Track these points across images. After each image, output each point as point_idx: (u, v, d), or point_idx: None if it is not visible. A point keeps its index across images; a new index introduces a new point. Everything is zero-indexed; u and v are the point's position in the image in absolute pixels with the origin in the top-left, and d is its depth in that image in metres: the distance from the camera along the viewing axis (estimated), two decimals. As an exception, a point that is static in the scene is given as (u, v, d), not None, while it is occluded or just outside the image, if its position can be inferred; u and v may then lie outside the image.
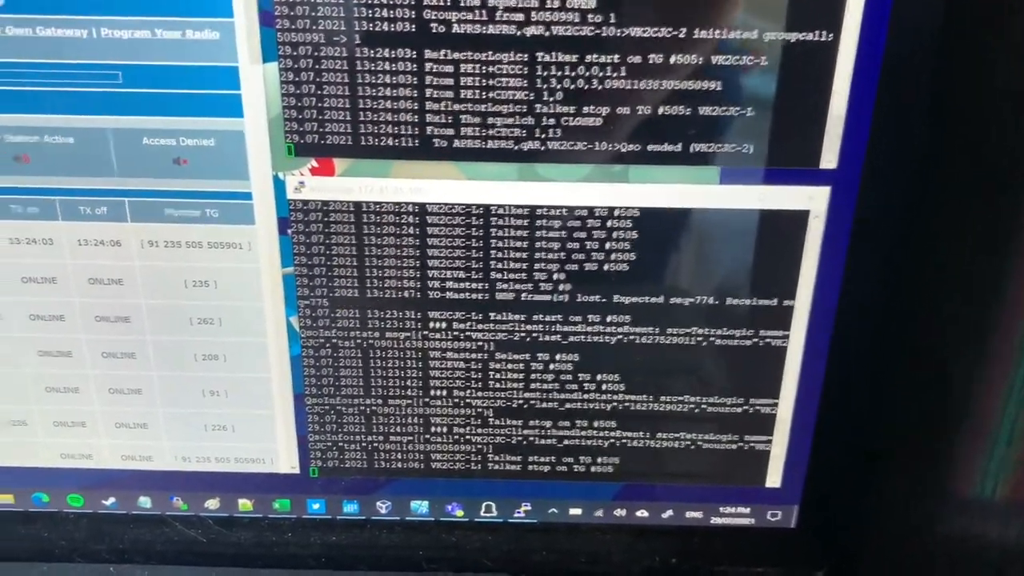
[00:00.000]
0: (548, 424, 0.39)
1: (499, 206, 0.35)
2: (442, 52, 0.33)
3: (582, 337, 0.37)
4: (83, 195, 0.35)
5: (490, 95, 0.33)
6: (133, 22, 0.32)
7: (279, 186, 0.35)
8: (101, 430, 0.39)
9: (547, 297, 0.36)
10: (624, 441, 0.39)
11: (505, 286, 0.36)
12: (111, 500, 0.41)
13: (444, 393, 0.38)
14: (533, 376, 0.38)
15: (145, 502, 0.41)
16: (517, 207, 0.35)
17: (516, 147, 0.34)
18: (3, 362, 0.38)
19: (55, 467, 0.40)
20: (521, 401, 0.39)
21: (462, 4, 0.32)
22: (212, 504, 0.41)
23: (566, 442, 0.39)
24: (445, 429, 0.39)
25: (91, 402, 0.39)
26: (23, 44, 0.33)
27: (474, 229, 0.35)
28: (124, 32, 0.32)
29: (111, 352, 0.38)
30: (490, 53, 0.32)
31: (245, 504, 0.41)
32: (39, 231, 0.36)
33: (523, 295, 0.36)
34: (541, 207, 0.35)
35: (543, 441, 0.39)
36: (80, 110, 0.34)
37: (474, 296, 0.37)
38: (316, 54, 0.33)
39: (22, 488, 0.41)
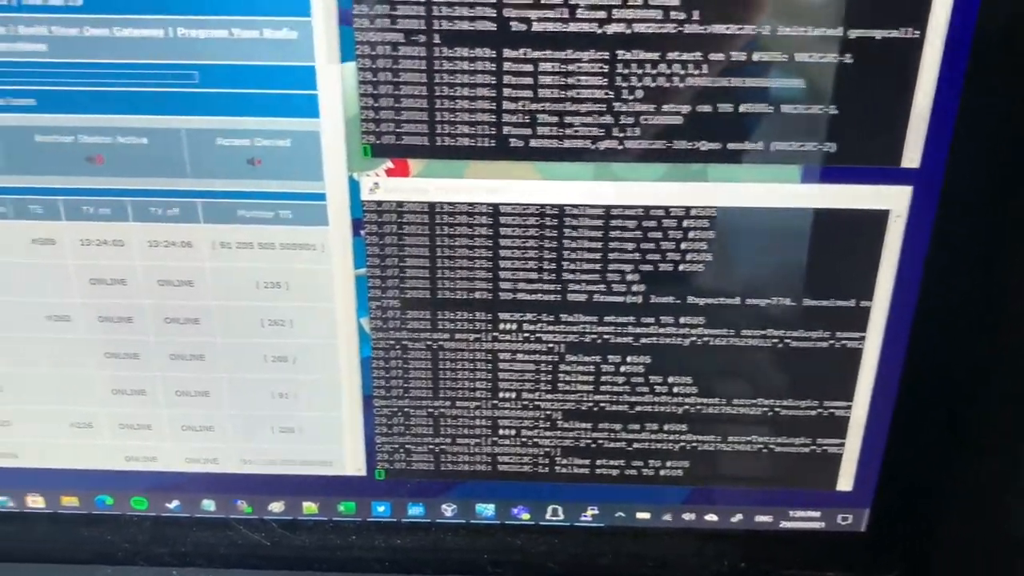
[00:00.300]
0: (617, 427, 0.38)
1: (574, 206, 0.35)
2: (521, 51, 0.32)
3: (654, 339, 0.37)
4: (155, 196, 0.35)
5: (569, 94, 0.33)
6: (210, 21, 0.32)
7: (354, 187, 0.34)
8: (167, 432, 0.39)
9: (620, 298, 0.36)
10: (694, 444, 0.39)
11: (577, 287, 0.36)
12: (175, 503, 0.41)
13: (513, 395, 0.38)
14: (603, 378, 0.38)
15: (209, 505, 0.41)
16: (592, 207, 0.35)
17: (593, 146, 0.33)
18: (70, 364, 0.38)
19: (120, 470, 0.40)
20: (591, 404, 0.38)
21: (543, 2, 0.31)
22: (276, 507, 0.41)
23: (635, 445, 0.39)
24: (513, 432, 0.39)
25: (158, 404, 0.39)
26: (100, 44, 0.32)
27: (548, 229, 0.35)
28: (201, 32, 0.32)
29: (179, 354, 0.38)
30: (570, 51, 0.32)
31: (310, 507, 0.41)
32: (110, 232, 0.36)
33: (595, 296, 0.36)
34: (617, 207, 0.35)
35: (612, 444, 0.39)
36: (155, 110, 0.33)
37: (546, 297, 0.36)
38: (395, 53, 0.32)
39: (86, 490, 0.41)
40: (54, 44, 0.33)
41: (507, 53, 0.32)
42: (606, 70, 0.32)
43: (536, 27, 0.32)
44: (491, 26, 0.32)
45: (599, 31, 0.32)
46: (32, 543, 0.42)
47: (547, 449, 0.39)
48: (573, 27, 0.32)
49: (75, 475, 0.41)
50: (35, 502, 0.41)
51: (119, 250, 0.36)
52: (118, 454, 0.40)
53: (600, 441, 0.39)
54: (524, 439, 0.39)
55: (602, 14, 0.32)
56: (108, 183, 0.35)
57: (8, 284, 0.36)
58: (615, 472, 0.40)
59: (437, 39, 0.32)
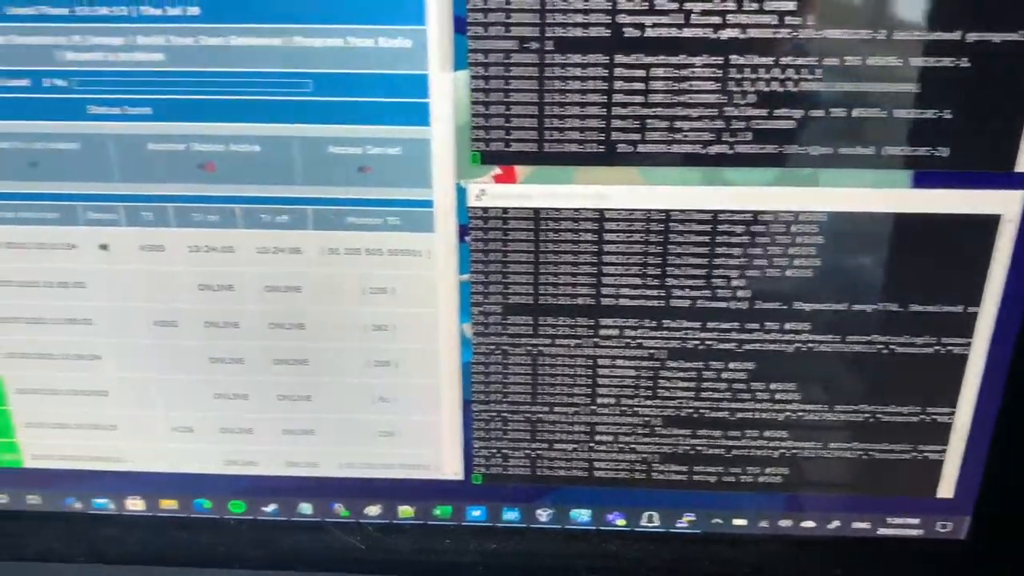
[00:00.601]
0: (717, 433, 0.38)
1: (680, 211, 0.35)
2: (634, 56, 0.32)
3: (758, 345, 0.37)
4: (266, 203, 0.35)
5: (680, 99, 0.33)
6: (326, 30, 0.32)
7: (461, 194, 0.35)
8: (268, 437, 0.40)
9: (724, 304, 0.36)
10: (794, 451, 0.38)
11: (681, 293, 0.36)
12: (272, 506, 0.41)
13: (612, 401, 0.38)
14: (705, 385, 0.37)
15: (306, 508, 0.41)
16: (699, 212, 0.35)
17: (703, 151, 0.33)
18: (174, 369, 0.38)
19: (219, 473, 0.41)
20: (691, 410, 0.38)
21: (657, 8, 0.31)
22: (373, 510, 0.41)
23: (734, 452, 0.39)
24: (611, 437, 0.39)
25: (259, 409, 0.39)
26: (216, 54, 0.33)
27: (653, 235, 0.35)
28: (316, 40, 0.33)
29: (283, 359, 0.38)
30: (683, 56, 0.32)
31: (406, 510, 0.41)
32: (219, 239, 0.36)
33: (699, 302, 0.36)
34: (724, 212, 0.34)
35: (711, 451, 0.39)
36: (268, 118, 0.34)
37: (649, 303, 0.36)
38: (507, 61, 0.32)
39: (185, 494, 0.41)
40: (171, 54, 0.33)
41: (619, 59, 0.32)
42: (719, 75, 0.32)
43: (650, 33, 0.32)
44: (605, 32, 0.32)
45: (713, 36, 0.32)
46: (130, 546, 0.42)
47: (644, 455, 0.39)
48: (687, 32, 0.32)
49: (175, 478, 0.41)
50: (135, 505, 0.42)
51: (228, 256, 0.36)
52: (218, 458, 0.40)
53: (699, 447, 0.39)
54: (622, 445, 0.39)
55: (717, 19, 0.32)
56: (219, 190, 0.35)
57: (117, 290, 0.37)
58: (712, 479, 0.39)
59: (550, 46, 0.32)
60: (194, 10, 0.32)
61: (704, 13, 0.31)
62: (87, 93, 0.34)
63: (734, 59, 0.32)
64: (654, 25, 0.32)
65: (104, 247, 0.36)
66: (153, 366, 0.38)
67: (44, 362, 0.39)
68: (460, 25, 0.32)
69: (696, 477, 0.39)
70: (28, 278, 0.37)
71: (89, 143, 0.35)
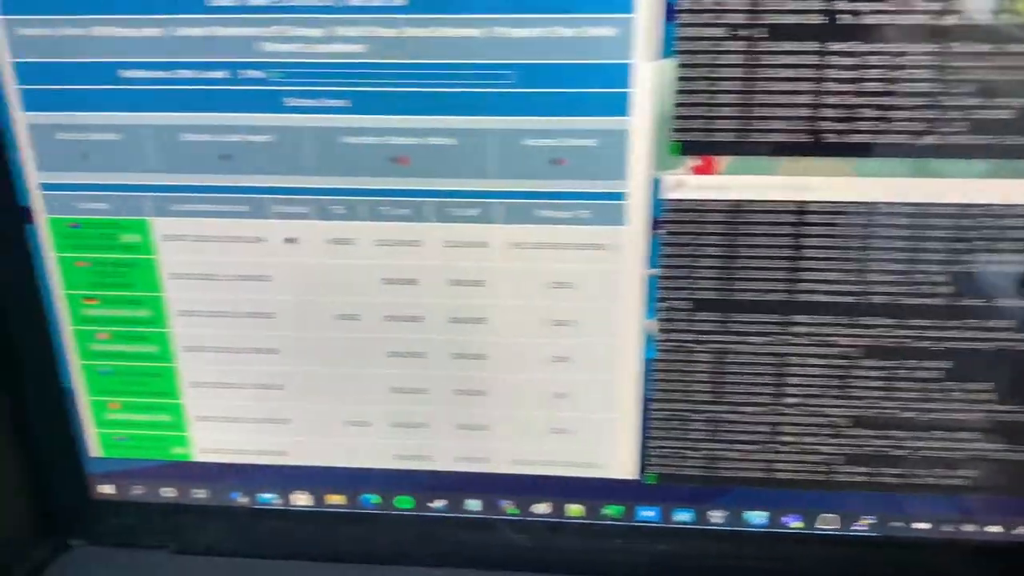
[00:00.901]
0: (904, 435, 0.37)
1: (887, 203, 0.34)
2: (848, 44, 0.31)
3: (957, 343, 0.35)
4: (457, 197, 0.35)
5: (894, 87, 0.32)
6: (531, 20, 0.32)
7: (656, 186, 0.34)
8: (442, 432, 0.39)
9: (924, 300, 0.35)
10: (986, 453, 0.37)
11: (881, 288, 0.35)
12: (440, 503, 0.41)
13: (798, 401, 0.37)
14: (897, 384, 0.36)
15: (475, 505, 0.41)
16: (906, 204, 0.33)
17: (915, 142, 0.32)
18: (352, 363, 0.38)
19: (389, 468, 0.40)
20: (880, 410, 0.37)
21: (877, -7, 0.30)
22: (541, 508, 0.41)
23: (922, 453, 0.37)
24: (794, 438, 0.38)
25: (435, 403, 0.39)
26: (419, 45, 0.33)
27: (857, 228, 0.34)
28: (521, 31, 0.32)
29: (462, 353, 0.38)
30: (900, 44, 0.31)
31: (575, 509, 0.40)
32: (407, 233, 0.36)
33: (899, 298, 0.35)
34: (932, 204, 0.33)
35: (897, 452, 0.37)
36: (466, 111, 0.34)
37: (846, 299, 0.35)
38: (716, 49, 0.32)
39: (353, 489, 0.41)
40: (373, 45, 0.33)
41: (833, 47, 0.31)
42: (937, 63, 0.31)
43: (866, 20, 0.31)
44: (820, 19, 0.31)
45: (932, 23, 0.31)
46: (295, 541, 0.42)
47: (828, 456, 0.38)
48: (905, 19, 0.31)
49: (343, 473, 0.41)
50: (300, 500, 0.42)
51: (414, 250, 0.36)
52: (389, 453, 0.40)
53: (885, 449, 0.38)
54: (805, 446, 0.38)
55: (937, 5, 0.31)
56: (411, 184, 0.35)
57: (302, 283, 0.37)
58: (896, 481, 0.38)
59: (762, 33, 0.31)
60: (400, 1, 0.32)
61: (925, -1, 0.30)
62: (284, 85, 0.34)
63: (953, 47, 0.31)
64: (872, 12, 0.31)
65: (291, 240, 0.36)
66: (331, 360, 0.38)
67: (222, 355, 0.39)
68: (670, 13, 0.31)
69: (879, 479, 0.38)
70: (211, 271, 0.37)
71: (283, 136, 0.35)
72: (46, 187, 0.37)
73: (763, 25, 0.31)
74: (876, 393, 0.37)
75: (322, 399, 0.39)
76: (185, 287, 0.38)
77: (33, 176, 0.37)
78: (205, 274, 0.38)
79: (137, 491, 0.42)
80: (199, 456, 0.41)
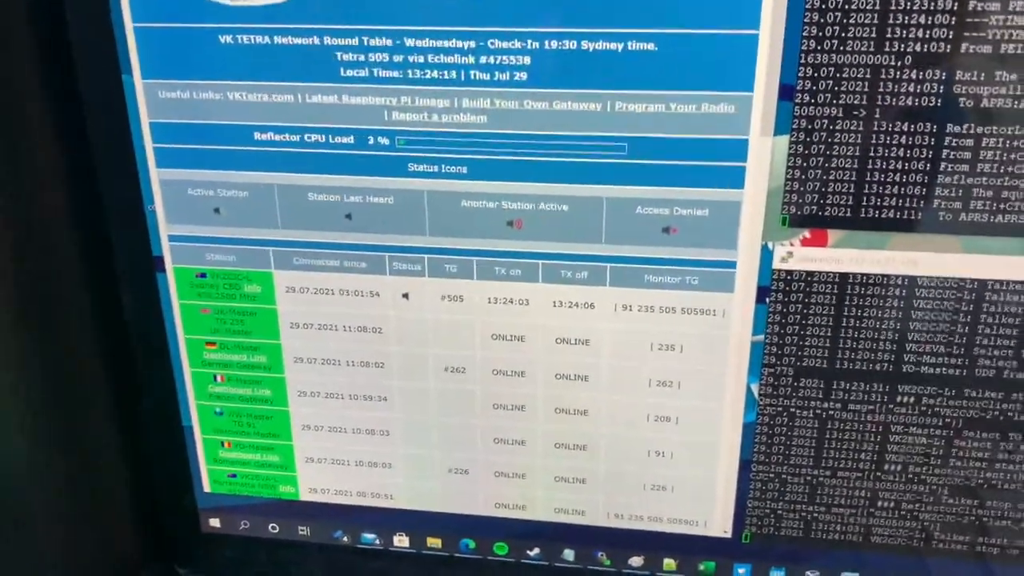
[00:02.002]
0: (1006, 505, 0.37)
1: (996, 281, 0.34)
2: (965, 126, 0.32)
3: (1063, 418, 0.35)
4: (568, 259, 0.36)
5: (1009, 169, 0.32)
6: (648, 96, 0.33)
7: (766, 256, 0.35)
8: (540, 482, 0.40)
9: (1032, 376, 0.35)
10: (1091, 528, 0.37)
11: (987, 363, 0.35)
12: (535, 551, 0.42)
13: (899, 468, 0.37)
14: (1000, 456, 0.36)
15: (569, 555, 0.42)
16: (1015, 283, 0.34)
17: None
18: (458, 413, 0.40)
19: (488, 515, 0.42)
20: (981, 480, 0.37)
21: (997, 79, 0.31)
22: (636, 561, 0.41)
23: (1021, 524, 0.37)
24: (892, 504, 0.38)
25: (536, 455, 0.40)
26: (538, 117, 0.34)
27: (964, 304, 0.34)
28: (638, 106, 0.33)
29: (564, 408, 0.39)
30: (1017, 127, 0.31)
31: (669, 564, 0.41)
32: (519, 291, 0.37)
33: (1005, 372, 0.35)
34: (1043, 283, 0.33)
35: (998, 523, 0.37)
36: (580, 179, 0.35)
37: (950, 371, 0.35)
38: (831, 127, 0.32)
39: (452, 534, 0.42)
40: (493, 115, 0.34)
41: (950, 128, 0.32)
42: (1054, 146, 0.32)
43: (985, 103, 0.31)
44: (936, 102, 0.32)
45: (1052, 107, 0.31)
46: (393, 580, 0.43)
47: (926, 523, 0.38)
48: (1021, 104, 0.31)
49: (442, 518, 0.42)
50: (401, 542, 0.43)
51: (524, 308, 0.37)
52: (489, 500, 0.41)
53: (984, 518, 0.38)
54: (903, 512, 0.38)
55: (1056, 90, 0.31)
56: (524, 246, 0.36)
57: (414, 336, 0.39)
58: (996, 550, 0.38)
59: (878, 113, 0.32)
60: (521, 75, 0.34)
61: (1045, 84, 0.31)
62: (408, 151, 0.35)
63: (1072, 130, 0.31)
64: (990, 96, 0.31)
65: (406, 296, 0.38)
66: (437, 409, 0.40)
67: (333, 401, 0.41)
68: (786, 92, 0.32)
69: (978, 548, 0.38)
70: (329, 322, 0.39)
71: (404, 198, 0.36)
72: (175, 239, 0.39)
73: (879, 106, 0.32)
74: (977, 464, 0.37)
75: (424, 446, 0.41)
76: (301, 336, 0.40)
77: (164, 228, 0.39)
78: (322, 324, 0.39)
79: (244, 526, 0.44)
80: (306, 496, 0.43)
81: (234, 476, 0.43)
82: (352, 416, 0.41)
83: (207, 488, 0.44)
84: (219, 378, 0.42)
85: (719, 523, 0.40)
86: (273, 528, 0.44)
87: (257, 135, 0.36)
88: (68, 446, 0.40)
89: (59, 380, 0.39)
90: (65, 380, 0.40)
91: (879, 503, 0.38)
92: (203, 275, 0.40)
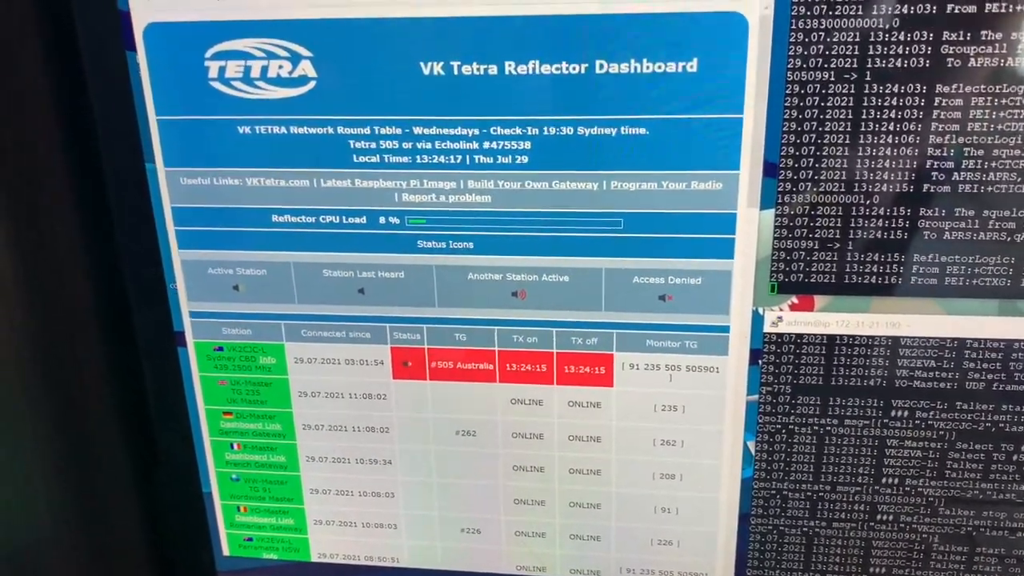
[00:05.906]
0: (1003, 516, 0.39)
1: (975, 340, 0.36)
2: (934, 209, 0.34)
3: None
4: (569, 327, 0.38)
5: (981, 237, 0.34)
6: (641, 175, 0.35)
7: (757, 321, 0.37)
8: (557, 540, 0.42)
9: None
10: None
11: (977, 416, 0.37)
12: (548, 607, 0.43)
13: (891, 519, 0.39)
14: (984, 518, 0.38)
15: (580, 611, 0.43)
16: (993, 341, 0.36)
17: (1004, 284, 0.35)
18: (477, 474, 0.41)
19: (505, 574, 0.43)
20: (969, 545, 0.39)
21: (965, 164, 0.33)
22: (643, 614, 0.43)
23: (1020, 534, 0.39)
24: (886, 554, 0.40)
25: (553, 514, 0.42)
26: (538, 196, 0.36)
27: (946, 361, 0.36)
28: (632, 184, 0.36)
29: (578, 469, 0.41)
30: (1001, 211, 0.34)
31: (675, 616, 0.43)
32: (534, 359, 0.39)
33: (992, 427, 0.37)
34: (1018, 341, 0.36)
35: (993, 532, 0.39)
36: (579, 252, 0.37)
37: (940, 423, 0.37)
38: (812, 202, 0.35)
39: (466, 592, 0.44)
40: (497, 196, 0.37)
41: (923, 211, 0.34)
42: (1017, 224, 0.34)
43: (961, 187, 0.34)
44: (908, 188, 0.34)
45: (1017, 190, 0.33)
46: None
47: (917, 560, 0.40)
48: (989, 186, 0.34)
49: (455, 577, 0.44)
50: (414, 601, 0.45)
51: (540, 374, 0.39)
52: (510, 560, 0.43)
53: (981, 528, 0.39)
54: (898, 561, 0.40)
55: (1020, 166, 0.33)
56: (527, 315, 0.38)
57: (430, 401, 0.40)
58: (994, 562, 0.40)
59: (856, 189, 0.35)
60: (523, 158, 0.36)
61: (1008, 170, 0.33)
62: (417, 229, 0.38)
63: (1037, 201, 0.34)
64: (963, 181, 0.34)
65: (406, 364, 0.40)
66: (445, 471, 0.41)
67: (339, 465, 0.43)
68: (770, 169, 0.35)
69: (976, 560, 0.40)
70: (335, 390, 0.41)
71: (413, 273, 0.38)
72: (196, 315, 0.41)
73: (856, 182, 0.35)
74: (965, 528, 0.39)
75: (430, 507, 0.42)
76: (310, 403, 0.42)
77: (186, 305, 0.41)
78: (330, 393, 0.41)
79: (261, 589, 0.45)
80: (316, 558, 0.45)
81: (250, 539, 0.45)
82: (358, 479, 0.43)
83: (225, 552, 0.45)
84: (235, 446, 0.43)
85: (722, 574, 0.41)
86: (289, 590, 0.46)
87: (275, 217, 0.39)
88: (89, 515, 0.42)
89: (82, 451, 0.41)
90: (87, 451, 0.42)
91: (873, 553, 0.40)
92: (220, 348, 0.41)
